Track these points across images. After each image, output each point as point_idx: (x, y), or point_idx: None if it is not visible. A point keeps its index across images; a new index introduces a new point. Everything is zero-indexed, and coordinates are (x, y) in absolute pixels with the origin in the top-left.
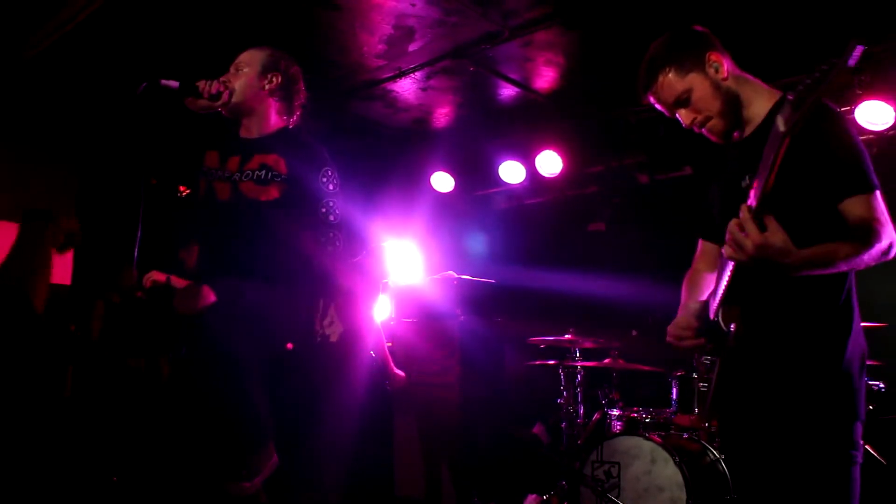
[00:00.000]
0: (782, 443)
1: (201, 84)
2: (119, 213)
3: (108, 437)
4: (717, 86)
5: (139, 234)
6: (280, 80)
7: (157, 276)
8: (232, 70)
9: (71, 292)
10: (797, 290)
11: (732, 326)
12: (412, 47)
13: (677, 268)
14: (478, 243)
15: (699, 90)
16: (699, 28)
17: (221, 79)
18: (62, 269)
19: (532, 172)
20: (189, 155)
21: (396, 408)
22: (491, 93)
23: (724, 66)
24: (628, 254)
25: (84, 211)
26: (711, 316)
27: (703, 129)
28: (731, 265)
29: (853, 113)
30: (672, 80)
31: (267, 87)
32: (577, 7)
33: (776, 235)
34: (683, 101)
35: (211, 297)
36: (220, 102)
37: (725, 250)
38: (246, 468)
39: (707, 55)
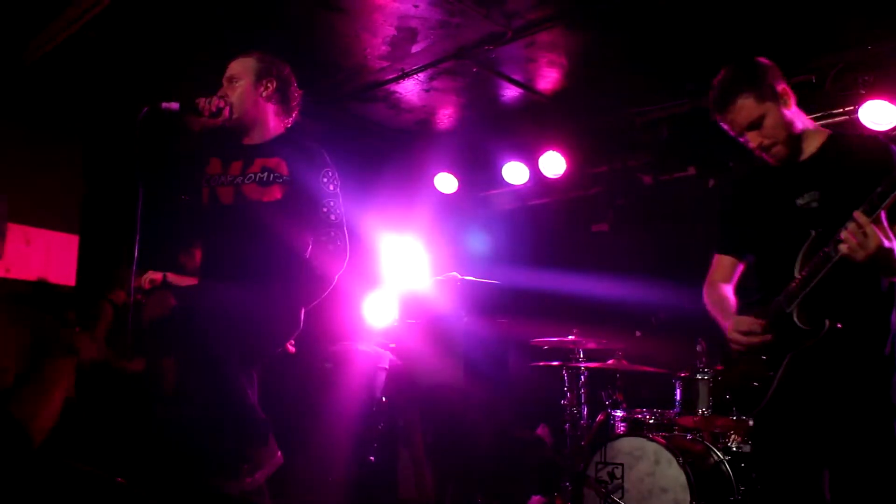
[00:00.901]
0: (853, 418)
1: (201, 102)
2: (123, 218)
3: (112, 438)
4: (785, 116)
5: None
6: (275, 84)
7: (153, 275)
8: (226, 83)
9: (74, 294)
10: (867, 296)
11: (826, 323)
12: (415, 48)
13: (681, 268)
14: (481, 244)
15: (771, 118)
16: (767, 61)
17: (219, 94)
18: (65, 270)
19: (536, 173)
20: (191, 165)
21: (399, 410)
22: (494, 94)
23: (791, 99)
24: (632, 254)
25: (89, 214)
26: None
27: (766, 153)
28: (806, 271)
29: (857, 113)
30: (751, 105)
31: (264, 94)
32: (579, 8)
33: (893, 240)
34: (756, 125)
35: (172, 303)
36: (221, 119)
37: (842, 248)
38: (246, 464)
39: (781, 87)
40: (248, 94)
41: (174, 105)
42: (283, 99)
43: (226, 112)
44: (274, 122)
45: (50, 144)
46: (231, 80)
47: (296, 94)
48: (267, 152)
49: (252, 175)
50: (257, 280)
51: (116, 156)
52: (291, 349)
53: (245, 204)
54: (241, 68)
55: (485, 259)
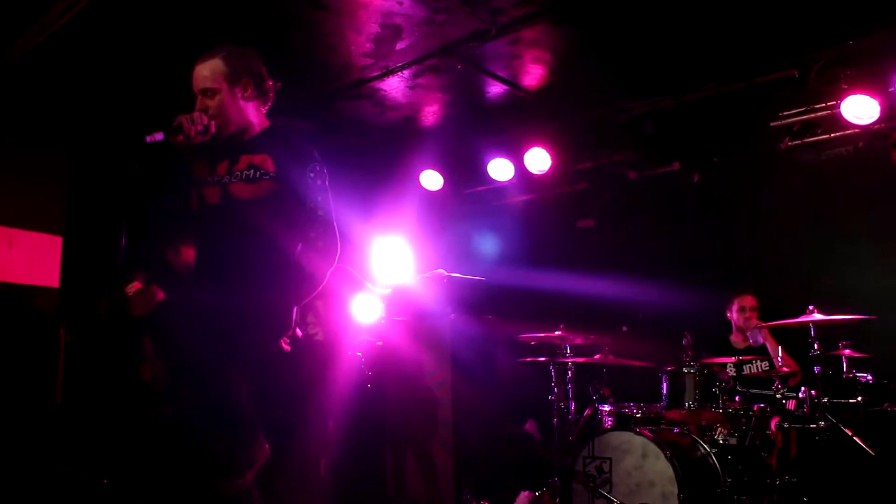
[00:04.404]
0: None
1: (185, 124)
2: (108, 220)
3: (98, 439)
4: None
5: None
6: (252, 83)
7: (138, 285)
8: (200, 95)
9: (61, 294)
10: None
11: None
12: (400, 46)
13: (666, 263)
14: (467, 241)
15: None
16: None
17: (198, 108)
18: (49, 272)
19: (521, 170)
20: (179, 177)
21: (389, 407)
22: (479, 90)
23: None
24: (618, 250)
25: (73, 215)
26: None
27: None
28: None
29: (839, 108)
30: None
31: (243, 96)
32: (563, 4)
33: None
34: None
35: (160, 296)
36: (209, 135)
37: None
38: (237, 464)
39: None
40: (228, 103)
41: (158, 136)
42: (260, 93)
43: (211, 127)
44: (256, 118)
45: (33, 145)
46: (206, 92)
47: (270, 81)
48: (253, 149)
49: (238, 173)
50: (247, 279)
51: (102, 168)
52: (286, 347)
53: (232, 203)
54: (213, 77)
55: (471, 256)
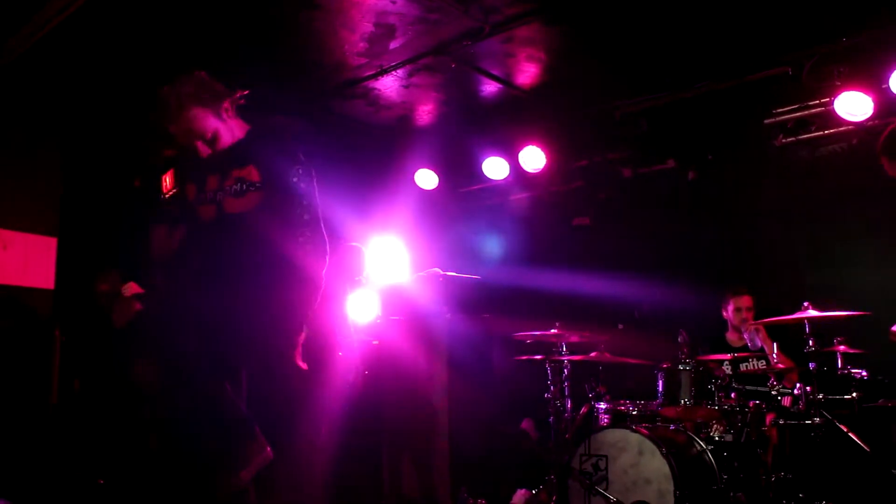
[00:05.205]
0: None
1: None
2: (106, 221)
3: (94, 440)
4: None
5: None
6: (231, 105)
7: (134, 287)
8: (201, 142)
9: (55, 296)
10: None
11: None
12: (393, 45)
13: (662, 260)
14: (463, 240)
15: None
16: None
17: (203, 150)
18: (44, 273)
19: (516, 168)
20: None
21: (385, 407)
22: (473, 89)
23: None
24: (613, 248)
25: (68, 215)
26: None
27: None
28: None
29: (832, 104)
30: None
31: (227, 116)
32: (556, 2)
33: None
34: None
35: (137, 307)
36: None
37: None
38: (231, 464)
39: None
40: (223, 132)
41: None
42: (235, 104)
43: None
44: (239, 127)
45: (26, 146)
46: (201, 136)
47: (238, 92)
48: (239, 159)
49: (228, 188)
50: (248, 287)
51: (96, 169)
52: (303, 365)
53: (226, 218)
54: (205, 122)
55: (466, 255)
